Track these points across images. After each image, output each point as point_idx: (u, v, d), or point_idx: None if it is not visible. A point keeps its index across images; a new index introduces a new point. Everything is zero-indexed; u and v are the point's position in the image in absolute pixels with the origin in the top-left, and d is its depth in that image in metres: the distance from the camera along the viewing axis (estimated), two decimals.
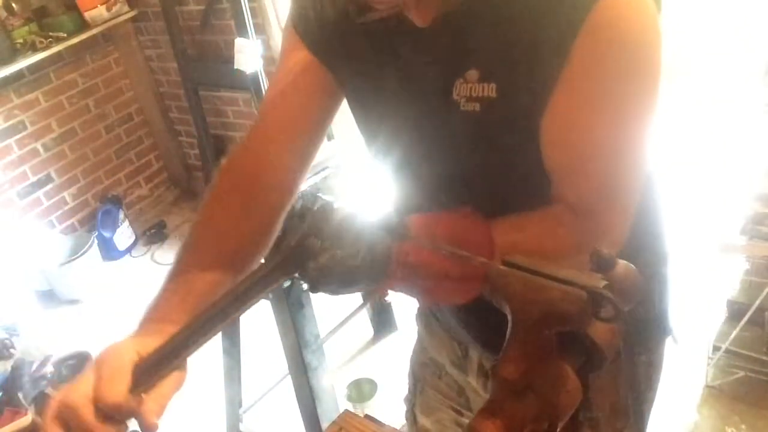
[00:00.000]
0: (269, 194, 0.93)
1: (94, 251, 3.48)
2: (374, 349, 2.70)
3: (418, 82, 0.85)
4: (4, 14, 3.23)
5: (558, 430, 0.55)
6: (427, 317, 1.20)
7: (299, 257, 0.68)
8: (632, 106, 0.76)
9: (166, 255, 3.75)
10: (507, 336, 0.56)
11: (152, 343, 0.74)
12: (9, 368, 1.82)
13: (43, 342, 2.06)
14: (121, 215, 3.81)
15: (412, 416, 1.32)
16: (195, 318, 0.73)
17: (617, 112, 0.76)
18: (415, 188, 0.98)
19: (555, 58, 0.72)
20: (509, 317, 0.56)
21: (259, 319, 2.16)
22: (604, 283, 0.51)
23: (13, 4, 3.26)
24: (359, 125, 1.00)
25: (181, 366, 0.76)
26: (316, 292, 0.71)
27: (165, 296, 0.84)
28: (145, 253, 3.83)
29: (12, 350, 1.92)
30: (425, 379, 1.26)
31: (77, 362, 1.68)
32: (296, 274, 0.69)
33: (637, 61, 0.74)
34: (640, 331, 1.03)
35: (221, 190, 0.93)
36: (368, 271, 0.68)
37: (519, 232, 0.78)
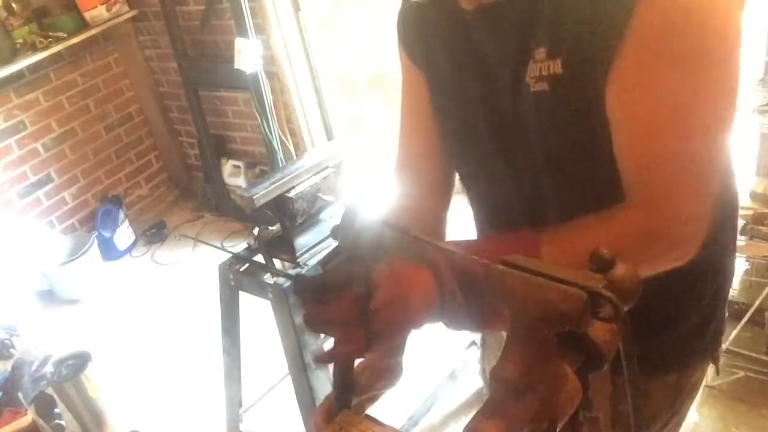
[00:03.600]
0: (432, 202, 1.03)
1: (94, 251, 3.47)
2: None
3: (491, 67, 0.85)
4: (4, 14, 3.23)
5: (557, 430, 0.55)
6: None
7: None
8: (703, 71, 0.69)
9: (166, 255, 3.75)
10: (506, 336, 0.56)
11: None
12: (9, 368, 1.81)
13: (43, 342, 2.06)
14: (121, 215, 3.81)
15: (485, 376, 1.35)
16: None
17: (686, 73, 0.69)
18: (488, 186, 0.97)
19: (617, 18, 0.69)
20: (509, 317, 0.55)
21: (259, 319, 2.17)
22: (603, 283, 0.51)
23: (13, 4, 3.26)
24: (439, 122, 1.00)
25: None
26: None
27: None
28: (145, 253, 3.83)
29: (12, 350, 1.92)
30: (491, 345, 1.27)
31: (77, 362, 1.68)
32: None
33: (708, 18, 0.68)
34: (675, 348, 0.98)
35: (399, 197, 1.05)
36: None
37: (569, 247, 0.72)
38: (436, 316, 0.70)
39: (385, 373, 0.83)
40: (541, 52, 0.76)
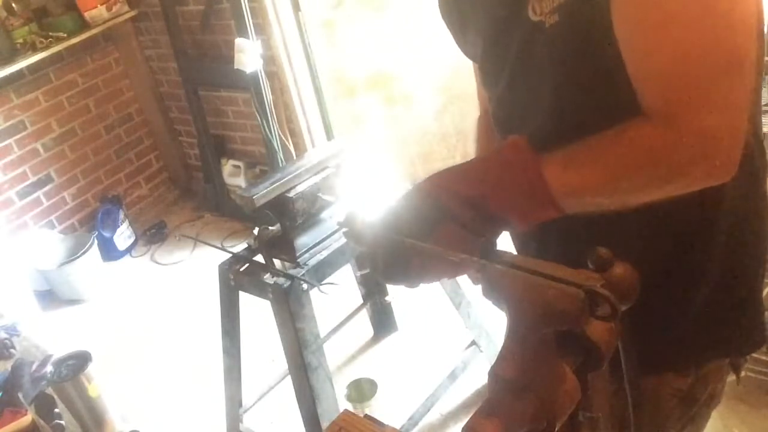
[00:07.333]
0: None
1: (94, 251, 3.47)
2: (374, 349, 2.70)
3: (489, 6, 0.85)
4: (4, 14, 3.23)
5: (556, 429, 0.55)
6: None
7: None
8: None
9: (166, 255, 3.75)
10: (505, 335, 0.56)
11: None
12: (9, 368, 1.81)
13: (43, 342, 2.06)
14: (121, 215, 3.81)
15: None
16: None
17: None
18: (505, 120, 0.96)
19: None
20: (507, 316, 0.56)
21: (259, 319, 2.17)
22: (601, 282, 0.51)
23: (13, 4, 3.27)
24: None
25: None
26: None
27: None
28: (145, 253, 3.83)
29: (12, 350, 1.92)
30: None
31: (77, 362, 1.68)
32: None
33: None
34: (681, 342, 0.92)
35: (481, 127, 1.19)
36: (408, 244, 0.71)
37: (575, 167, 0.70)
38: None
39: None
40: None
